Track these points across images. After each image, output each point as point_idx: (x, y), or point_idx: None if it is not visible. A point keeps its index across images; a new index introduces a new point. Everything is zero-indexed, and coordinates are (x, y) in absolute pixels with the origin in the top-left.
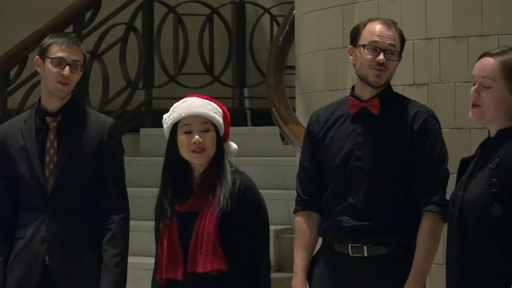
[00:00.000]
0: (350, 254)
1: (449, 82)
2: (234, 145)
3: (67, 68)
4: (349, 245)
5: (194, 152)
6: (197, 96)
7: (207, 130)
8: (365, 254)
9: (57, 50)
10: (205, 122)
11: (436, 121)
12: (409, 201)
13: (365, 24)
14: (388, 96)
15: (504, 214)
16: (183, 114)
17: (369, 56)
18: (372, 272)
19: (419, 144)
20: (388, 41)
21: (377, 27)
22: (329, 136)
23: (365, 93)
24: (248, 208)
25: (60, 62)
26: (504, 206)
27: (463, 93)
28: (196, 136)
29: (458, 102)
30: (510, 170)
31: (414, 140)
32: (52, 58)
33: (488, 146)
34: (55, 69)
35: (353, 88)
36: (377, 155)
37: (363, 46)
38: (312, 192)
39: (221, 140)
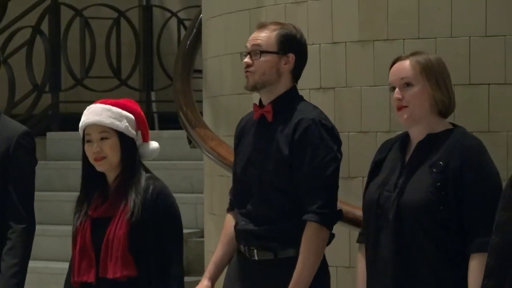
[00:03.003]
0: (247, 256)
1: (355, 86)
2: (153, 145)
3: None
4: (245, 247)
5: (95, 161)
6: (101, 102)
7: (106, 138)
8: (256, 258)
9: None
10: (103, 130)
11: (322, 127)
12: (301, 210)
13: None
14: (283, 102)
15: (448, 219)
16: (83, 124)
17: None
18: (263, 276)
19: (299, 153)
20: (252, 43)
21: (253, 33)
22: (241, 142)
23: (263, 98)
24: (160, 215)
25: None
26: (450, 211)
27: (369, 97)
28: (94, 146)
29: (364, 106)
30: (457, 176)
31: (295, 150)
32: None
33: (421, 149)
34: None
35: None
36: (266, 163)
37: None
38: (237, 194)
39: (129, 144)
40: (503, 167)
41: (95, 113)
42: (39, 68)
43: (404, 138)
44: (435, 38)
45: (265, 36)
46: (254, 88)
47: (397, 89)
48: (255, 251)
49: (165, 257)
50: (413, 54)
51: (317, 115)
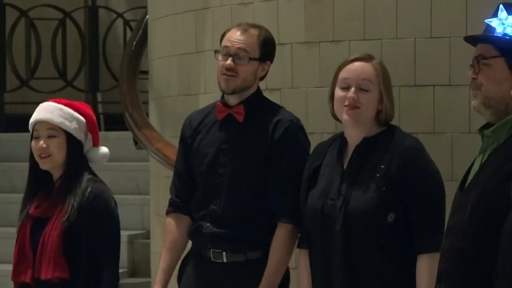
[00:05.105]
0: (212, 259)
1: (301, 87)
2: (103, 150)
3: None
4: (210, 250)
5: (40, 158)
6: (54, 101)
7: (53, 136)
8: (224, 260)
9: None
10: (51, 128)
11: (299, 129)
12: (270, 210)
13: (229, 30)
14: (254, 103)
15: (395, 223)
16: (33, 120)
17: (221, 62)
18: (231, 278)
19: (278, 154)
20: (237, 45)
21: (231, 32)
22: (197, 141)
23: (231, 99)
24: (95, 218)
25: None
26: (397, 215)
27: (315, 98)
28: (40, 142)
29: (310, 107)
30: (401, 178)
31: (274, 150)
32: None
33: (359, 153)
34: None
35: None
36: (238, 163)
37: (216, 52)
38: (184, 195)
39: (75, 146)
40: (448, 168)
41: (46, 110)
42: None
43: (340, 142)
44: (381, 39)
45: (250, 41)
46: (233, 92)
47: (353, 89)
48: (224, 253)
49: (99, 262)
50: (369, 57)
51: (293, 117)
